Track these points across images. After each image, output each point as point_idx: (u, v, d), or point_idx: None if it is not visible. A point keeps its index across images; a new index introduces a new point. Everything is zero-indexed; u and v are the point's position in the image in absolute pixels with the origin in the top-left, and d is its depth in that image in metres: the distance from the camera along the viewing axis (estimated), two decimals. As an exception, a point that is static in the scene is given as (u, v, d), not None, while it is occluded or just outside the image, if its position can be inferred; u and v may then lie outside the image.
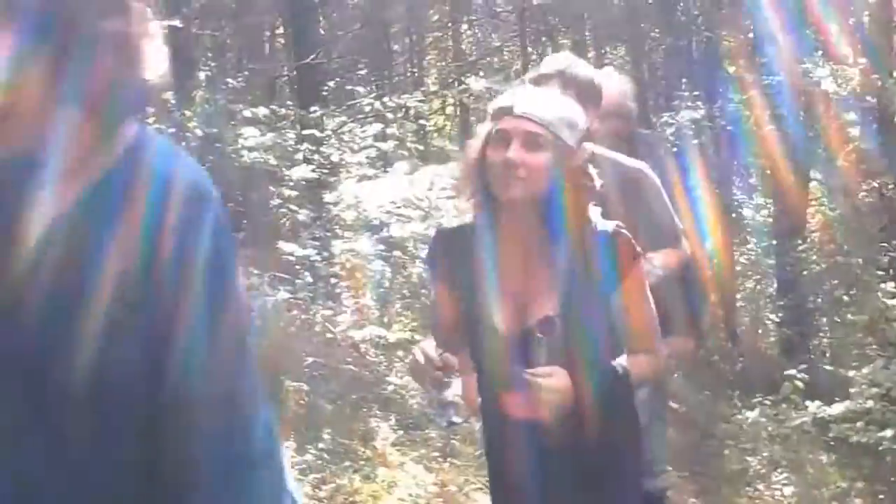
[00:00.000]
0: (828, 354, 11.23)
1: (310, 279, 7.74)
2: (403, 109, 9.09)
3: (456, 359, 2.64)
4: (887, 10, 10.94)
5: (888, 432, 5.60)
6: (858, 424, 5.72)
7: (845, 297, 10.58)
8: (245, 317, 1.36)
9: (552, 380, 2.50)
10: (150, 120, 10.39)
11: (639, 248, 2.63)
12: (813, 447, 6.97)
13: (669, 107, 12.36)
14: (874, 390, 5.57)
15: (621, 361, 2.59)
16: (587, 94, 3.23)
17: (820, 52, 11.47)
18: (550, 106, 2.63)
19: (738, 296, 12.70)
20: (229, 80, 11.51)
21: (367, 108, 8.94)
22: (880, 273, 8.31)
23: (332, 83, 12.19)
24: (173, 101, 11.60)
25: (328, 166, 7.94)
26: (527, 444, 2.65)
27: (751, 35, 13.14)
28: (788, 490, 6.25)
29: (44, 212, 1.18)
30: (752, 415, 6.38)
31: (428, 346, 2.67)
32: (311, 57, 9.62)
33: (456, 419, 2.72)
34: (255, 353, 1.32)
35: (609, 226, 2.61)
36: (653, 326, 2.69)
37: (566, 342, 2.54)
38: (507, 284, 2.64)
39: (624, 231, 2.61)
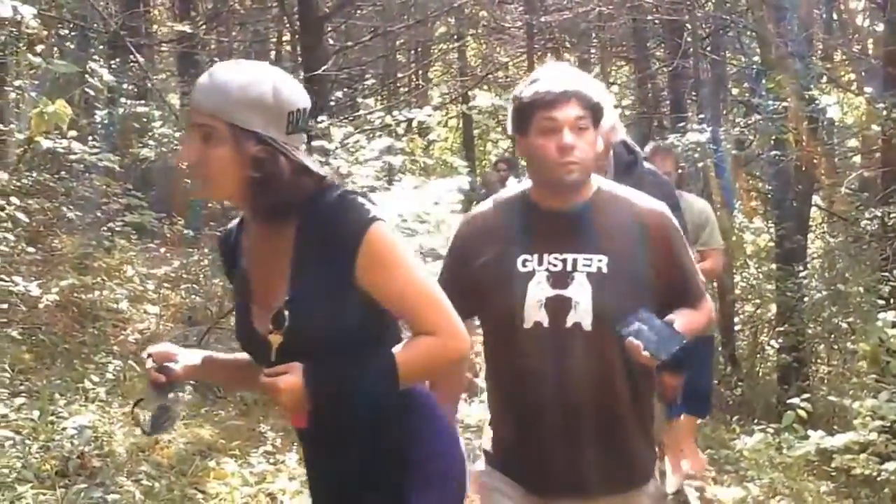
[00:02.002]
0: (826, 382, 11.24)
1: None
2: (411, 123, 9.09)
3: (179, 369, 2.55)
4: (893, 37, 10.99)
5: (890, 465, 5.61)
6: (861, 456, 5.73)
7: (845, 325, 10.60)
8: None
9: (282, 378, 2.28)
10: (158, 124, 10.42)
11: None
12: (813, 476, 6.99)
13: (675, 128, 12.38)
14: (877, 423, 5.58)
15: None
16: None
17: (825, 79, 11.53)
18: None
19: (737, 320, 12.73)
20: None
21: (377, 122, 8.93)
22: (881, 302, 8.31)
23: (339, 94, 12.22)
24: (180, 107, 11.65)
25: (336, 177, 7.94)
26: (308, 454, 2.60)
27: (756, 59, 13.20)
28: (786, 518, 6.28)
29: None
30: (751, 441, 6.39)
31: (158, 349, 2.61)
32: (323, 68, 9.63)
33: (163, 427, 2.60)
34: None
35: None
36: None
37: (301, 332, 2.32)
38: (259, 284, 2.45)
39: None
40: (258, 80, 2.28)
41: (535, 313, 2.84)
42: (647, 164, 3.83)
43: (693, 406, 6.01)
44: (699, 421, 6.89)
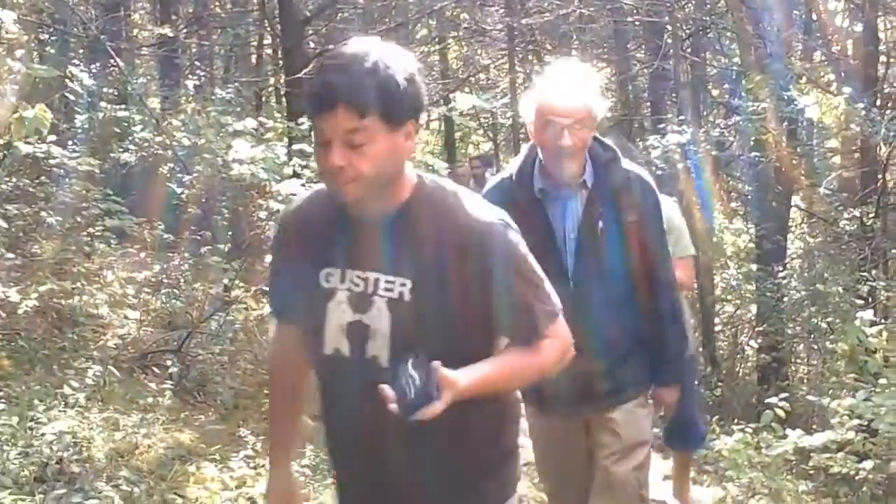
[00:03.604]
0: (806, 382, 11.31)
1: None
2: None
3: None
4: (872, 38, 11.07)
5: (867, 464, 5.65)
6: (838, 455, 5.77)
7: (824, 325, 10.66)
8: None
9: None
10: (139, 128, 10.39)
11: None
12: (792, 475, 7.02)
13: (655, 129, 12.43)
14: (855, 421, 5.62)
15: None
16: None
17: (805, 80, 11.60)
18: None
19: (717, 321, 12.78)
20: (217, 90, 11.51)
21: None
22: (860, 302, 8.37)
23: (319, 97, 12.19)
24: (160, 109, 11.62)
25: (316, 180, 7.93)
26: None
27: (736, 60, 13.26)
28: (765, 517, 6.30)
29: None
30: (731, 441, 6.41)
31: None
32: (304, 72, 9.63)
33: None
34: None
35: None
36: None
37: None
38: None
39: None
40: None
41: (335, 338, 2.42)
42: (627, 162, 3.68)
43: (679, 439, 5.64)
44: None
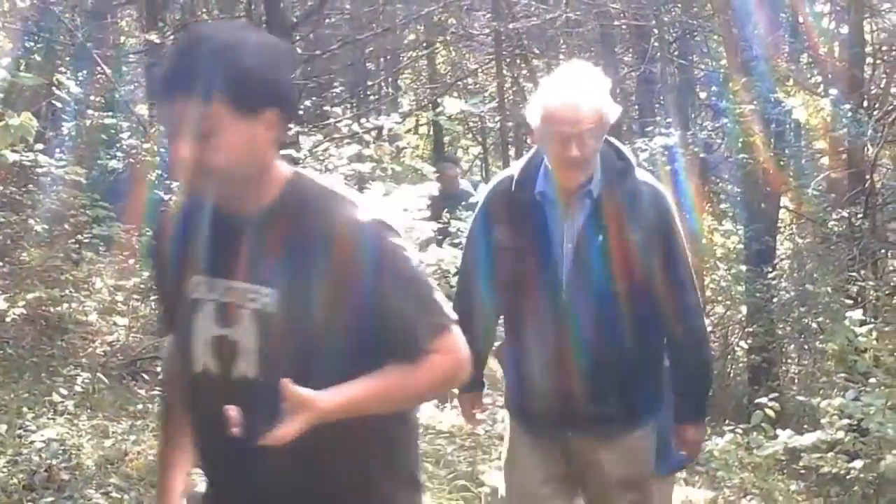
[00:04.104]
0: (796, 382, 11.33)
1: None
2: (380, 131, 9.10)
3: None
4: (858, 40, 11.10)
5: (857, 463, 5.66)
6: (829, 455, 5.78)
7: (814, 325, 10.69)
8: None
9: None
10: (127, 135, 10.38)
11: None
12: (783, 476, 7.03)
13: (643, 132, 12.44)
14: (844, 421, 5.63)
15: None
16: None
17: (791, 82, 11.62)
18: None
19: (708, 322, 12.79)
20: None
21: (344, 130, 8.94)
22: (849, 302, 8.39)
23: (308, 102, 12.21)
24: (149, 117, 11.60)
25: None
26: None
27: (724, 62, 13.29)
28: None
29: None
30: (721, 442, 6.42)
31: None
32: (290, 77, 9.61)
33: None
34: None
35: None
36: None
37: None
38: None
39: None
40: None
41: (202, 354, 2.18)
42: (643, 174, 3.40)
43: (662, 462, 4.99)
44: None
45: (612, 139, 3.38)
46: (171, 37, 14.12)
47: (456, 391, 4.17)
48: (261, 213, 2.12)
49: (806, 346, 11.71)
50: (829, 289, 10.01)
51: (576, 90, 3.21)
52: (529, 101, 3.38)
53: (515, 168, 3.48)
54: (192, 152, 2.01)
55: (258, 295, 2.10)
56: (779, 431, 5.73)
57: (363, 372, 2.08)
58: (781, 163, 11.81)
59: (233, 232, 2.13)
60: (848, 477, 6.01)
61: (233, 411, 1.97)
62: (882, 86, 11.61)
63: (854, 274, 9.12)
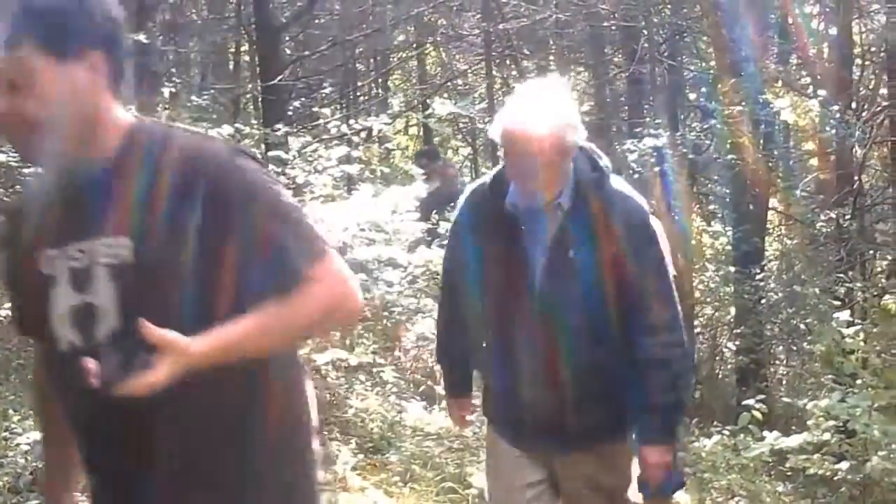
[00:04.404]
0: (784, 383, 11.35)
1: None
2: (369, 132, 9.10)
3: None
4: (847, 41, 11.13)
5: (844, 464, 5.68)
6: (815, 456, 5.79)
7: (802, 326, 10.72)
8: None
9: None
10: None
11: None
12: (770, 477, 7.04)
13: (632, 133, 12.45)
14: (831, 423, 5.64)
15: None
16: None
17: (780, 83, 11.65)
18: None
19: (696, 323, 12.82)
20: (193, 97, 11.48)
21: (333, 130, 8.93)
22: (837, 303, 8.42)
23: (297, 103, 12.21)
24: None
25: (293, 187, 7.94)
26: None
27: (713, 64, 13.31)
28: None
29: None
30: (709, 444, 6.44)
31: None
32: (279, 78, 9.61)
33: None
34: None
35: None
36: None
37: None
38: None
39: None
40: None
41: (64, 330, 2.00)
42: (619, 183, 3.26)
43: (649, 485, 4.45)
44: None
45: (587, 146, 3.25)
46: (160, 37, 14.10)
47: (443, 394, 4.12)
48: (104, 163, 1.95)
49: (794, 348, 11.75)
50: (817, 290, 10.05)
51: (535, 118, 3.06)
52: (493, 120, 3.23)
53: (488, 177, 3.39)
54: (8, 106, 1.83)
55: (112, 248, 1.93)
56: (766, 433, 5.74)
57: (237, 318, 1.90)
58: (770, 164, 11.84)
59: (76, 191, 1.96)
60: (835, 478, 6.02)
61: (89, 363, 1.76)
62: (871, 87, 11.65)
63: (842, 275, 9.15)
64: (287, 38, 12.44)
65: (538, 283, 3.20)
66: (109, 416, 1.89)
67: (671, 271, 3.33)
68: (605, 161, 3.25)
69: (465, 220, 3.43)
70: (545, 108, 3.08)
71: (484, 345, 3.50)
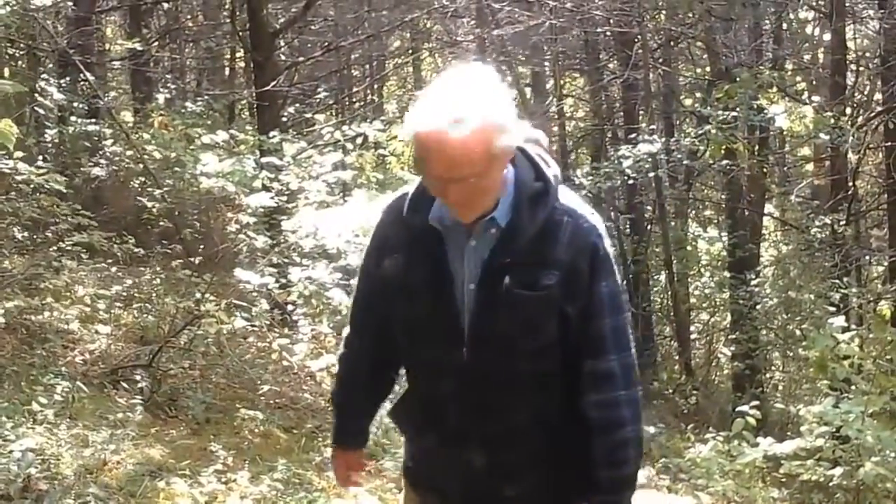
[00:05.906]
0: (780, 388, 11.37)
1: (266, 306, 7.72)
2: (363, 138, 9.10)
3: None
4: (842, 48, 11.16)
5: (838, 470, 5.67)
6: (809, 462, 5.79)
7: (798, 332, 10.73)
8: None
9: None
10: (110, 142, 10.36)
11: None
12: (764, 483, 7.04)
13: (627, 139, 12.47)
14: (824, 428, 5.64)
15: None
16: None
17: (774, 89, 11.68)
18: None
19: (692, 329, 12.83)
20: (188, 103, 11.49)
21: (328, 136, 8.94)
22: (832, 308, 8.43)
23: (291, 109, 12.21)
24: (133, 123, 11.59)
25: (287, 193, 7.94)
26: None
27: (707, 69, 13.34)
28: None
29: None
30: (704, 450, 6.44)
31: None
32: (274, 84, 9.62)
33: None
34: None
35: None
36: None
37: None
38: None
39: None
40: None
41: None
42: (568, 196, 2.57)
43: None
44: None
45: (530, 151, 2.56)
46: (155, 43, 14.12)
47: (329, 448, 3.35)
48: None
49: (790, 353, 11.76)
50: (812, 295, 10.06)
51: (452, 118, 2.33)
52: (405, 119, 2.46)
53: (409, 188, 2.65)
54: None
55: None
56: (759, 439, 5.74)
57: None
58: (765, 170, 11.86)
59: None
60: (829, 484, 6.03)
61: None
62: (865, 93, 11.68)
63: (837, 281, 9.16)
64: (282, 44, 12.45)
65: (467, 317, 2.54)
66: None
67: (627, 307, 2.64)
68: (553, 169, 2.55)
69: (380, 242, 2.72)
70: (466, 104, 2.35)
71: (402, 393, 2.84)
